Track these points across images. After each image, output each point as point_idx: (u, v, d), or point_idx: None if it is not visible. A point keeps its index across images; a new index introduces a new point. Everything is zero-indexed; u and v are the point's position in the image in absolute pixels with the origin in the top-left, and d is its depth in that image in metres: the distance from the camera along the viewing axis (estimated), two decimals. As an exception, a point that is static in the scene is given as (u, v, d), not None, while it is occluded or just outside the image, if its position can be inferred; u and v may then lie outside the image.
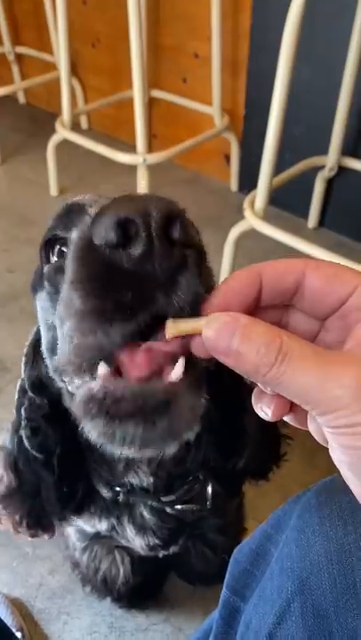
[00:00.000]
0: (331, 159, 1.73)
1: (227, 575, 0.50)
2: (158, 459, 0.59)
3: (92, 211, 0.44)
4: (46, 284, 0.47)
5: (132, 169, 1.76)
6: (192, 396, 0.35)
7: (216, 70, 1.88)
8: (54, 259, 0.47)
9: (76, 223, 0.44)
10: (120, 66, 2.26)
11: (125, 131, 2.34)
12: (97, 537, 0.78)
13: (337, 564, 0.38)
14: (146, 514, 0.69)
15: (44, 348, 0.51)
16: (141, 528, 0.71)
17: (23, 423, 0.60)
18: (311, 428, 0.34)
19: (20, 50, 2.63)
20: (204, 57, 1.96)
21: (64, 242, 0.46)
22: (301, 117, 1.76)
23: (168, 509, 0.67)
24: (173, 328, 0.32)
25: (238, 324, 0.30)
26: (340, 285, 0.32)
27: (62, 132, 1.91)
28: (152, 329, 0.33)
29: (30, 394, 0.59)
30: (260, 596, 0.43)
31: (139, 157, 1.69)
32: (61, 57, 1.82)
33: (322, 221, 1.96)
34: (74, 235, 0.34)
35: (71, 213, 0.46)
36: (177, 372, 0.34)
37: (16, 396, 0.64)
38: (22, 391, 0.63)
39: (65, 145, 1.98)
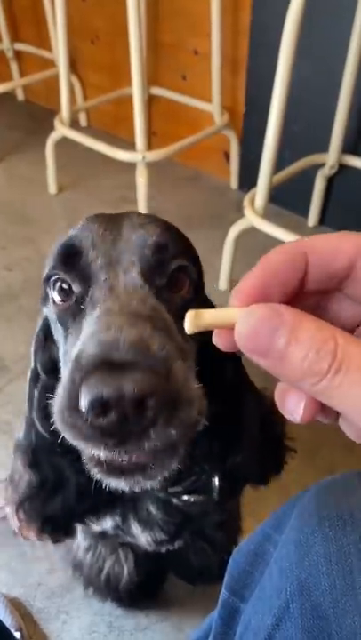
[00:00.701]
0: (331, 157, 1.73)
1: (226, 575, 0.50)
2: None
3: (94, 256, 0.49)
4: (57, 321, 0.53)
5: (131, 166, 1.76)
6: (168, 454, 0.41)
7: (216, 67, 1.87)
8: (55, 295, 0.51)
9: (74, 267, 0.49)
10: (119, 63, 2.25)
11: (125, 128, 2.33)
12: (102, 536, 0.78)
13: (336, 564, 0.38)
14: (152, 509, 0.69)
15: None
16: (147, 524, 0.71)
17: (35, 405, 0.61)
18: (344, 425, 0.29)
19: (19, 46, 2.62)
20: (204, 54, 1.96)
21: (64, 280, 0.50)
22: (301, 115, 1.76)
23: (175, 500, 0.67)
24: (197, 321, 0.27)
25: (282, 321, 0.25)
26: None
27: (61, 130, 1.90)
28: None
29: (43, 376, 0.61)
30: (259, 596, 0.43)
31: (138, 155, 1.68)
32: (60, 54, 1.81)
33: (322, 219, 1.96)
34: (63, 382, 0.40)
35: (69, 257, 0.50)
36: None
37: (27, 389, 0.64)
38: (33, 381, 0.63)
39: (64, 142, 1.97)
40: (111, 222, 0.52)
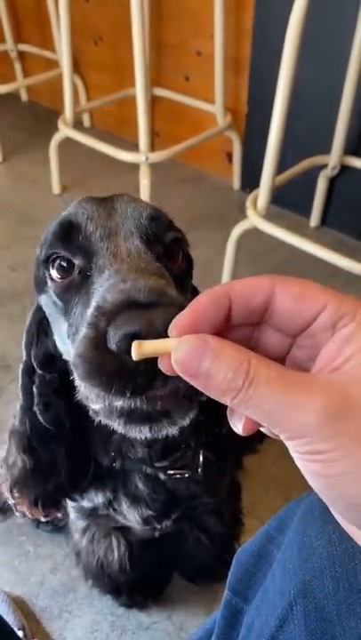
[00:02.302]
0: (333, 158, 1.73)
1: (229, 576, 0.50)
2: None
3: (96, 235, 0.50)
4: (56, 299, 0.53)
5: (134, 167, 1.76)
6: (188, 393, 0.40)
7: (219, 68, 1.88)
8: (54, 273, 0.52)
9: (74, 242, 0.50)
10: (122, 63, 2.25)
11: (128, 129, 2.33)
12: (95, 515, 0.80)
13: (340, 567, 0.38)
14: (140, 485, 0.72)
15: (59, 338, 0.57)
16: (135, 499, 0.73)
17: (36, 400, 0.63)
18: (265, 430, 0.34)
19: (23, 47, 2.62)
20: (207, 55, 1.96)
21: (63, 258, 0.51)
22: (304, 116, 1.76)
23: (161, 475, 0.70)
24: (140, 349, 0.32)
25: (208, 347, 0.30)
26: (309, 305, 0.32)
27: (65, 130, 1.91)
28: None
29: (40, 372, 0.63)
30: (263, 598, 0.43)
31: (141, 156, 1.69)
32: (64, 54, 1.81)
33: (324, 220, 1.96)
34: (84, 331, 0.40)
35: (68, 232, 0.51)
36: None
37: (20, 379, 0.66)
38: (26, 372, 0.65)
39: (67, 143, 1.98)
40: (103, 201, 0.55)
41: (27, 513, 0.71)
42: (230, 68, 1.94)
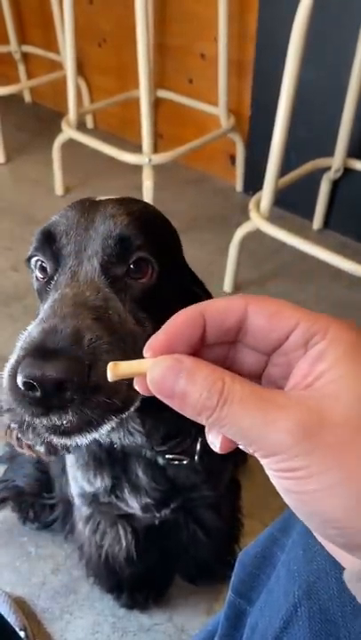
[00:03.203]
0: (336, 161, 1.73)
1: (233, 577, 0.50)
2: (151, 421, 0.67)
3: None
4: (37, 296, 0.61)
5: (137, 169, 1.76)
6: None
7: (222, 71, 1.88)
8: (38, 273, 0.59)
9: (49, 251, 0.57)
10: (126, 65, 2.26)
11: (131, 130, 2.34)
12: (97, 501, 0.82)
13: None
14: (140, 473, 0.74)
15: None
16: (135, 487, 0.76)
17: None
18: (242, 446, 0.34)
19: (27, 49, 2.63)
20: (211, 57, 1.96)
21: (42, 261, 0.58)
22: (307, 118, 1.76)
23: (160, 459, 0.72)
24: (115, 370, 0.33)
25: (182, 367, 0.30)
26: (281, 323, 0.32)
27: (68, 132, 1.91)
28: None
29: None
30: (267, 599, 0.43)
31: (144, 157, 1.69)
32: (68, 56, 1.82)
33: (327, 223, 1.96)
34: (5, 372, 0.48)
35: (46, 240, 0.58)
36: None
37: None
38: None
39: (70, 144, 1.98)
40: (88, 211, 0.58)
41: (29, 451, 0.72)
42: (234, 71, 1.95)
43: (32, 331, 0.47)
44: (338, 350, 0.30)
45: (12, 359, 0.47)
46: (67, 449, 0.69)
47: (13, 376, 0.45)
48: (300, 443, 0.28)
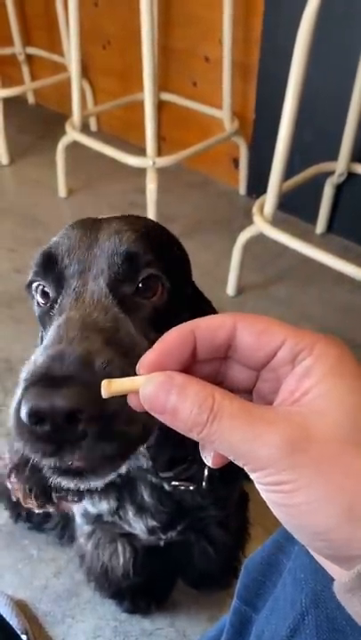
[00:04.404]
0: (340, 165, 1.73)
1: (238, 584, 0.50)
2: (156, 444, 0.63)
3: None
4: (39, 322, 0.57)
5: (140, 171, 1.76)
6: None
7: (227, 74, 1.88)
8: (39, 298, 0.55)
9: (50, 274, 0.53)
10: (130, 68, 2.26)
11: (135, 133, 2.34)
12: (100, 521, 0.80)
13: (352, 577, 0.38)
14: (146, 496, 0.71)
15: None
16: (141, 509, 0.73)
17: None
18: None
19: (31, 50, 2.64)
20: (215, 60, 1.97)
21: (44, 286, 0.54)
22: (312, 122, 1.76)
23: (166, 486, 0.69)
24: (109, 388, 0.34)
25: (174, 383, 0.31)
26: (269, 340, 0.33)
27: (72, 134, 1.91)
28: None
29: None
30: (273, 607, 0.43)
31: (148, 160, 1.69)
32: (72, 58, 1.82)
33: (330, 227, 1.96)
34: (11, 408, 0.43)
35: (46, 263, 0.54)
36: None
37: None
38: None
39: (74, 146, 1.99)
40: (91, 229, 0.55)
41: (22, 500, 0.72)
42: (238, 74, 1.95)
43: (36, 359, 0.43)
44: (324, 367, 0.31)
45: (18, 392, 0.42)
46: (79, 495, 0.65)
47: (18, 410, 0.40)
48: (287, 457, 0.29)
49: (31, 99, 2.85)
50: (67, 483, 0.44)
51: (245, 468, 0.31)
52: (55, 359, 0.41)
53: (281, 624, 0.40)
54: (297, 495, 0.29)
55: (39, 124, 2.68)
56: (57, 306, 0.50)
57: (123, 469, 0.46)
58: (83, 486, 0.44)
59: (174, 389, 0.31)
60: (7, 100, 2.24)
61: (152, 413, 0.32)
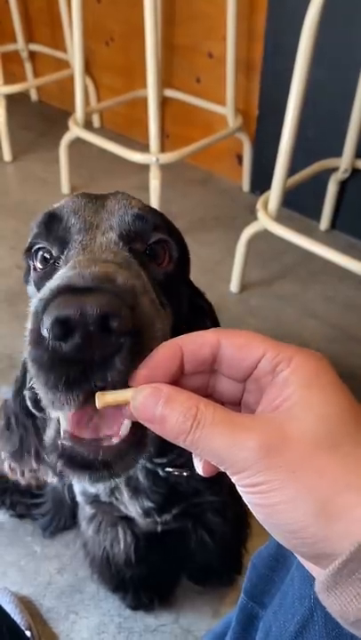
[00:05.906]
0: (344, 161, 1.73)
1: (245, 580, 0.50)
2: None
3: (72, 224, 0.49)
4: (34, 288, 0.54)
5: (144, 168, 1.76)
6: (134, 451, 0.40)
7: (230, 70, 1.88)
8: (37, 263, 0.52)
9: (53, 233, 0.50)
10: (133, 65, 2.26)
11: (138, 130, 2.34)
12: (99, 501, 0.81)
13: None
14: (140, 477, 0.72)
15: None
16: (135, 491, 0.74)
17: (27, 387, 0.64)
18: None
19: (34, 47, 2.63)
20: (219, 57, 1.96)
21: (45, 249, 0.51)
22: (315, 119, 1.76)
23: (160, 471, 0.71)
24: (102, 399, 0.36)
25: (161, 394, 0.34)
26: (250, 353, 0.35)
27: (75, 131, 1.91)
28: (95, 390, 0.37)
29: None
30: (281, 603, 0.43)
31: (151, 157, 1.69)
32: (75, 55, 1.82)
33: (334, 223, 1.95)
34: (28, 324, 0.39)
35: (49, 223, 0.51)
36: (122, 432, 0.39)
37: (24, 356, 0.66)
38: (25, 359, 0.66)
39: (77, 143, 1.98)
40: (98, 197, 0.54)
41: (21, 480, 0.72)
42: (242, 71, 1.94)
43: (51, 284, 0.38)
44: (301, 377, 0.33)
45: (32, 313, 0.38)
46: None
47: (36, 329, 0.36)
48: (263, 459, 0.31)
49: (34, 95, 2.84)
50: (79, 477, 0.39)
51: (228, 473, 0.33)
52: (76, 277, 0.37)
53: (289, 620, 0.40)
54: (273, 495, 0.31)
55: (42, 120, 2.68)
56: (60, 262, 0.46)
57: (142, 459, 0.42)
58: (95, 483, 0.40)
59: (162, 400, 0.34)
60: (10, 97, 2.23)
61: (143, 423, 0.35)
